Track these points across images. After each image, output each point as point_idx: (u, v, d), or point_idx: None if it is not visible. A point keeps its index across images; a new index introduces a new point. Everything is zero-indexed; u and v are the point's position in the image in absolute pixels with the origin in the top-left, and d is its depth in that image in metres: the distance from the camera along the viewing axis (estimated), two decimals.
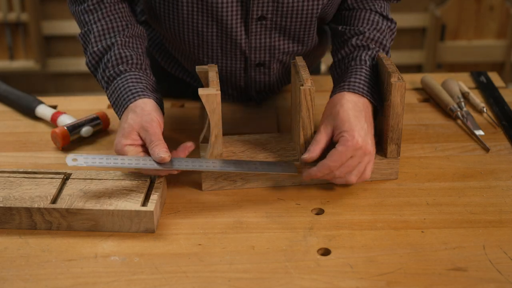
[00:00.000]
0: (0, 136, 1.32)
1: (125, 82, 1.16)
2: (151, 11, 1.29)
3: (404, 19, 3.33)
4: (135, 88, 1.15)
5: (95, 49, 1.20)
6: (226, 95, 1.41)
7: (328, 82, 1.54)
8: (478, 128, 1.32)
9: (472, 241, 1.01)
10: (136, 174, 1.11)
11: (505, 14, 3.32)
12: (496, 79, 1.53)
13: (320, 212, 1.08)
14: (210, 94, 1.05)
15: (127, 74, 1.17)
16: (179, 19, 1.23)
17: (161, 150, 1.06)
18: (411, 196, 1.12)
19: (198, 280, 0.93)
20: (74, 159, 1.04)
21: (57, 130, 1.26)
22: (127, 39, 1.21)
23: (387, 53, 1.24)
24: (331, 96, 1.17)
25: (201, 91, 1.06)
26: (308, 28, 1.26)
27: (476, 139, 1.29)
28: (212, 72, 1.10)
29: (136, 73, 1.18)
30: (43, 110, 1.36)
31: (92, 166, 1.05)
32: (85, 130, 1.28)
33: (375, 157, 1.15)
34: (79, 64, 3.37)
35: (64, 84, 3.49)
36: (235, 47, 1.27)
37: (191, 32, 1.25)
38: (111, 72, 1.18)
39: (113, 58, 1.18)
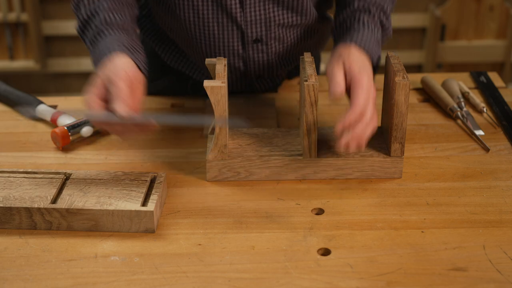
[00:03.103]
0: (0, 136, 1.32)
1: (105, 43, 1.14)
2: None
3: (404, 19, 3.33)
4: (113, 47, 1.12)
5: (84, 15, 1.20)
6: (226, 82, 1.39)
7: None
8: (478, 128, 1.32)
9: (472, 241, 1.01)
10: (136, 174, 1.11)
11: (505, 14, 3.32)
12: (496, 79, 1.53)
13: (320, 212, 1.08)
14: (215, 86, 1.08)
15: (109, 36, 1.15)
16: None
17: (118, 103, 1.01)
18: (411, 196, 1.12)
19: (198, 280, 0.93)
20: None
21: (57, 130, 1.26)
22: (113, 4, 1.20)
23: (387, 18, 1.26)
24: (334, 48, 1.20)
25: (206, 83, 1.08)
26: None
27: (476, 139, 1.29)
28: (220, 65, 1.12)
29: (118, 34, 1.16)
30: (43, 110, 1.36)
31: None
32: (85, 130, 1.28)
33: (379, 156, 1.16)
34: (79, 64, 3.37)
35: (64, 84, 3.49)
36: (231, 21, 1.28)
37: (187, 8, 1.27)
38: (96, 36, 1.17)
39: (98, 22, 1.18)
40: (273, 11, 1.29)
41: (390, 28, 1.28)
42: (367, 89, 1.09)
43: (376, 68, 1.20)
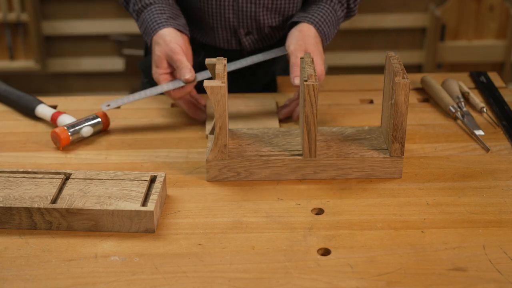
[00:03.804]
0: (0, 136, 1.32)
1: (150, 14, 1.35)
2: None
3: (404, 19, 3.33)
4: (159, 19, 1.33)
5: None
6: (216, 39, 1.47)
7: (328, 82, 1.55)
8: (478, 128, 1.33)
9: (472, 241, 1.01)
10: (136, 174, 1.11)
11: (505, 14, 3.32)
12: (496, 79, 1.53)
13: (320, 212, 1.08)
14: (215, 86, 1.08)
15: (152, 6, 1.36)
16: None
17: (185, 72, 1.26)
18: (411, 196, 1.12)
19: (198, 280, 0.93)
20: (108, 105, 1.29)
21: (57, 130, 1.26)
22: None
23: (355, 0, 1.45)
24: (296, 18, 1.39)
25: (206, 83, 1.09)
26: None
27: (476, 139, 1.29)
28: (220, 65, 1.12)
29: (159, 4, 1.36)
30: (43, 110, 1.36)
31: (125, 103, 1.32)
32: (85, 130, 1.28)
33: (378, 156, 1.16)
34: (80, 64, 3.37)
35: (64, 84, 3.49)
36: None
37: None
38: (139, 5, 1.38)
39: None
40: None
41: (355, 10, 1.47)
42: (320, 72, 1.31)
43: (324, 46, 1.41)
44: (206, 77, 1.27)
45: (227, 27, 1.45)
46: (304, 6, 1.45)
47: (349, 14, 1.47)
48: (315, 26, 1.36)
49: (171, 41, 1.29)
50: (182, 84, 1.28)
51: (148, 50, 1.67)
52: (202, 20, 1.45)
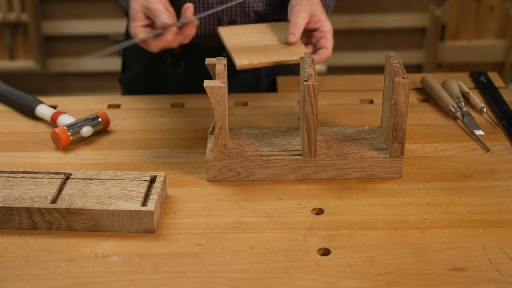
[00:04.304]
0: (0, 136, 1.32)
1: None
2: None
3: (404, 19, 3.33)
4: None
5: None
6: (199, 29, 1.44)
7: (328, 82, 1.55)
8: (478, 128, 1.33)
9: (472, 241, 1.01)
10: (136, 174, 1.11)
11: (505, 14, 3.32)
12: (496, 79, 1.53)
13: (320, 212, 1.08)
14: (215, 86, 1.08)
15: None
16: None
17: (162, 17, 1.20)
18: (411, 196, 1.12)
19: (198, 280, 0.93)
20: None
21: (57, 130, 1.26)
22: None
23: None
24: None
25: (206, 83, 1.09)
26: None
27: (476, 139, 1.29)
28: (220, 65, 1.12)
29: None
30: (43, 110, 1.36)
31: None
32: (85, 130, 1.28)
33: (378, 156, 1.16)
34: (79, 64, 3.37)
35: (64, 84, 3.49)
36: None
37: None
38: None
39: None
40: None
41: None
42: (331, 38, 1.30)
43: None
44: (187, 21, 1.24)
45: (210, 15, 1.42)
46: None
47: None
48: None
49: None
50: (159, 31, 1.22)
51: (125, 65, 1.67)
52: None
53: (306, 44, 1.32)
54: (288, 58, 1.24)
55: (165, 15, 1.21)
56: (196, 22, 1.26)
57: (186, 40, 1.28)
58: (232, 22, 1.44)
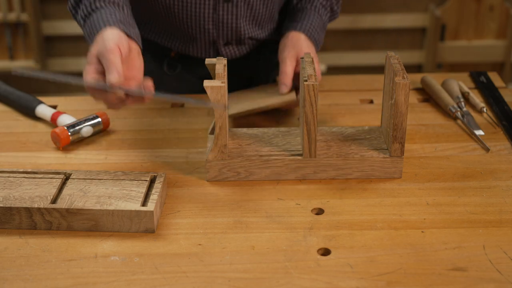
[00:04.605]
0: (0, 136, 1.32)
1: (98, 16, 1.18)
2: None
3: (404, 19, 3.33)
4: (108, 20, 1.16)
5: None
6: (195, 49, 1.46)
7: (328, 82, 1.55)
8: (478, 128, 1.32)
9: (472, 241, 1.01)
10: (136, 174, 1.11)
11: (505, 14, 3.32)
12: (496, 79, 1.53)
13: (320, 212, 1.08)
14: (215, 86, 1.08)
15: (101, 9, 1.20)
16: None
17: (112, 75, 1.04)
18: (411, 196, 1.12)
19: (198, 280, 0.93)
20: (21, 73, 1.08)
21: (57, 130, 1.26)
22: None
23: (337, 1, 1.47)
24: (285, 30, 1.40)
25: (206, 83, 1.09)
26: None
27: (476, 139, 1.29)
28: (220, 65, 1.12)
29: (111, 8, 1.20)
30: (43, 110, 1.36)
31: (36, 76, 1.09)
32: (85, 130, 1.28)
33: (378, 156, 1.16)
34: (79, 64, 3.37)
35: (64, 84, 3.49)
36: None
37: None
38: (88, 9, 1.22)
39: None
40: None
41: (338, 12, 1.48)
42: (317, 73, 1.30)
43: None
44: (162, 96, 1.11)
45: (206, 38, 1.43)
46: (290, 15, 1.46)
47: (332, 17, 1.48)
48: (304, 33, 1.37)
49: (109, 40, 1.09)
50: (104, 85, 1.06)
51: None
52: (181, 31, 1.44)
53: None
54: (276, 102, 1.31)
55: (115, 73, 1.05)
56: (150, 97, 1.10)
57: (133, 105, 1.14)
58: (228, 43, 1.46)
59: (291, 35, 1.37)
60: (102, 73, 1.09)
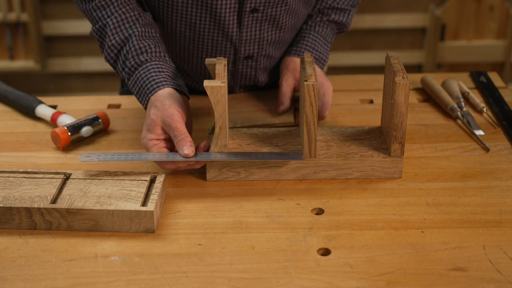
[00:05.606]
0: (0, 136, 1.32)
1: (146, 72, 1.20)
2: (146, 2, 1.32)
3: (404, 19, 3.33)
4: (158, 78, 1.18)
5: (113, 41, 1.24)
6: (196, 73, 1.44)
7: None
8: (478, 128, 1.33)
9: (472, 241, 1.01)
10: (136, 174, 1.11)
11: (505, 14, 3.32)
12: (496, 79, 1.53)
13: (320, 212, 1.08)
14: (215, 86, 1.08)
15: (148, 64, 1.21)
16: (174, 11, 1.28)
17: (184, 146, 1.10)
18: (411, 196, 1.12)
19: (198, 280, 0.93)
20: (88, 156, 1.12)
21: (57, 130, 1.26)
22: (143, 29, 1.24)
23: (345, 13, 1.43)
24: (285, 54, 1.41)
25: (206, 83, 1.09)
26: (295, 16, 1.34)
27: (476, 139, 1.29)
28: (220, 65, 1.12)
29: (157, 62, 1.22)
30: (43, 110, 1.36)
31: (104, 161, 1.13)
32: (85, 130, 1.28)
33: (378, 156, 1.16)
34: (79, 64, 3.37)
35: (64, 84, 3.49)
36: (226, 39, 1.32)
37: (184, 24, 1.30)
38: (132, 62, 1.22)
39: (133, 48, 1.22)
40: (267, 31, 1.33)
41: (348, 22, 1.44)
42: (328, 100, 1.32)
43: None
44: (205, 158, 1.13)
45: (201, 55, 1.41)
46: (296, 36, 1.44)
47: (341, 30, 1.46)
48: (299, 56, 1.37)
49: (170, 105, 1.13)
50: (179, 158, 1.11)
51: (124, 82, 1.63)
52: (197, 76, 1.44)
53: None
54: (274, 122, 1.32)
55: (188, 143, 1.11)
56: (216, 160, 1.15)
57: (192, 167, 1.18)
58: (243, 87, 1.45)
59: (288, 60, 1.38)
60: (165, 139, 1.15)
